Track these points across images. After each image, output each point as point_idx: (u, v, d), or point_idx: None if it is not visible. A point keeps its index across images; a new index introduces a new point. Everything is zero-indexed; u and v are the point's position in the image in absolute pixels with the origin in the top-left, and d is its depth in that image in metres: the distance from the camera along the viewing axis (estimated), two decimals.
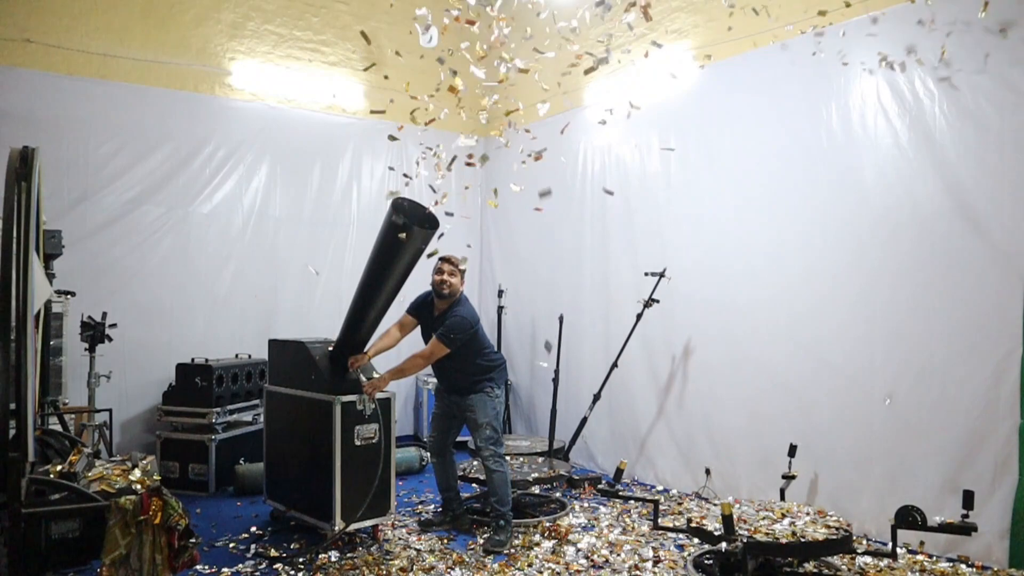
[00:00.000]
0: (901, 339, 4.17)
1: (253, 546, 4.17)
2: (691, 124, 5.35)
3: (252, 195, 6.27)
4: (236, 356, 5.92)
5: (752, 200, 4.94)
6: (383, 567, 3.83)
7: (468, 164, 4.17)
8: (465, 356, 4.25)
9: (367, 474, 4.10)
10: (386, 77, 4.70)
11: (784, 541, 3.26)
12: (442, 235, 4.19)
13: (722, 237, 5.15)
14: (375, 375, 4.27)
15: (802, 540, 3.27)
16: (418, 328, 4.48)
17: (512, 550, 4.11)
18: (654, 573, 3.78)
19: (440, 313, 4.31)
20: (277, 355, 4.63)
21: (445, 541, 4.30)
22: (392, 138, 4.74)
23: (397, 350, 4.61)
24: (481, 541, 4.28)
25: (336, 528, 3.99)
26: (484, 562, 3.94)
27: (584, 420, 5.62)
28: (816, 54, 4.53)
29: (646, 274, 5.45)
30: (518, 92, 6.28)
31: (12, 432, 2.55)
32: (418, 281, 4.45)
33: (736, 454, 5.04)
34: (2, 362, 2.47)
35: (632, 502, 4.88)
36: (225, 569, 3.84)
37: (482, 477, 4.52)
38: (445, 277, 4.26)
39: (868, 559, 3.82)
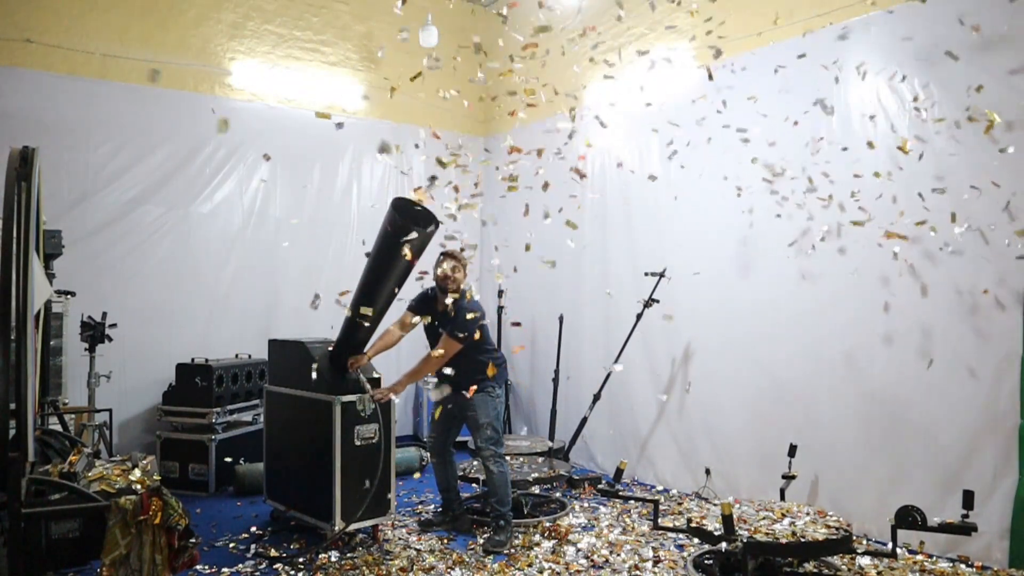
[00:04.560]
0: (901, 339, 4.17)
1: (253, 546, 4.17)
2: (691, 124, 5.34)
3: (252, 195, 6.27)
4: (236, 356, 5.92)
5: (752, 200, 4.94)
6: (383, 567, 3.84)
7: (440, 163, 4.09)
8: (469, 352, 4.23)
9: (367, 474, 4.10)
10: (445, 97, 4.56)
11: (784, 541, 3.26)
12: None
13: (722, 237, 5.14)
14: (375, 375, 4.27)
15: (802, 540, 3.27)
16: (418, 327, 4.46)
17: (512, 550, 4.11)
18: (654, 573, 3.78)
19: (444, 309, 4.28)
20: (277, 355, 4.63)
21: (445, 541, 4.30)
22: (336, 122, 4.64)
23: (397, 349, 4.60)
24: (481, 541, 4.28)
25: (336, 528, 3.99)
26: (484, 562, 3.94)
27: (584, 420, 5.62)
28: (816, 54, 4.53)
29: (646, 274, 5.45)
30: (517, 92, 6.28)
31: (12, 432, 2.55)
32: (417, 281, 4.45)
33: (736, 454, 5.04)
34: (2, 362, 2.47)
35: (632, 502, 4.88)
36: (225, 569, 3.84)
37: (482, 477, 4.52)
38: (448, 272, 4.25)
39: (868, 559, 3.82)
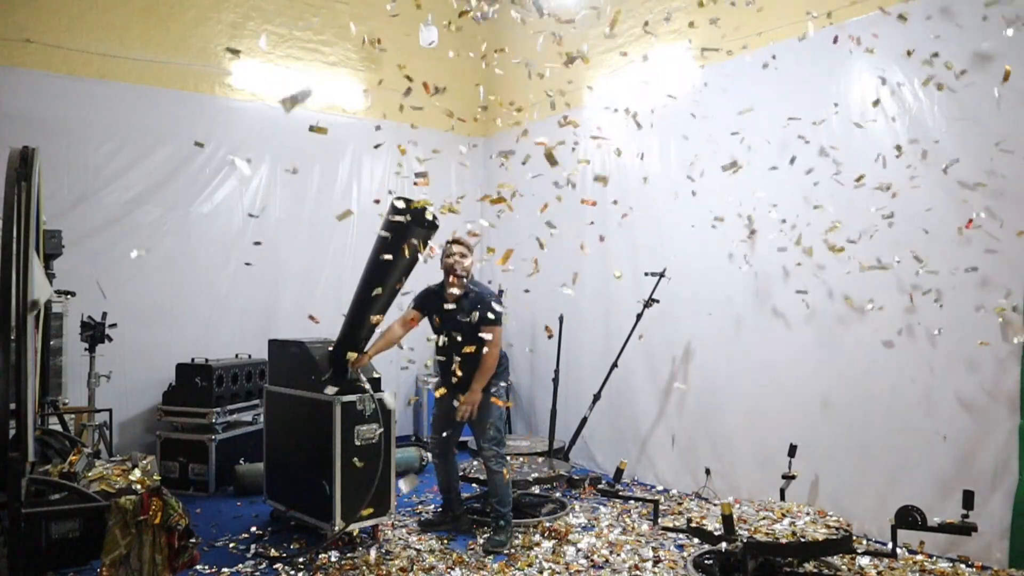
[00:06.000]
0: (901, 339, 4.17)
1: (253, 546, 4.17)
2: (691, 124, 5.34)
3: (252, 195, 6.27)
4: (236, 356, 5.92)
5: (752, 200, 4.94)
6: (383, 567, 3.83)
7: (417, 183, 4.04)
8: (476, 349, 4.19)
9: (367, 474, 4.09)
10: (450, 112, 4.56)
11: (784, 541, 3.26)
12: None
13: (722, 237, 5.14)
14: (375, 375, 4.27)
15: (802, 540, 3.27)
16: (420, 325, 4.43)
17: (512, 550, 4.11)
18: (654, 573, 3.78)
19: (453, 300, 4.19)
20: (277, 355, 4.63)
21: (445, 541, 4.30)
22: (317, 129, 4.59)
23: (397, 348, 4.59)
24: (481, 541, 4.28)
25: (336, 528, 3.99)
26: (484, 562, 3.94)
27: (584, 420, 5.62)
28: (816, 54, 4.53)
29: (646, 274, 5.45)
30: (517, 92, 6.29)
31: (12, 432, 2.55)
32: (416, 281, 4.44)
33: (736, 454, 5.04)
34: (2, 362, 2.47)
35: (632, 502, 4.88)
36: (225, 569, 3.84)
37: (482, 477, 4.51)
38: (457, 259, 4.21)
39: (868, 559, 3.82)
